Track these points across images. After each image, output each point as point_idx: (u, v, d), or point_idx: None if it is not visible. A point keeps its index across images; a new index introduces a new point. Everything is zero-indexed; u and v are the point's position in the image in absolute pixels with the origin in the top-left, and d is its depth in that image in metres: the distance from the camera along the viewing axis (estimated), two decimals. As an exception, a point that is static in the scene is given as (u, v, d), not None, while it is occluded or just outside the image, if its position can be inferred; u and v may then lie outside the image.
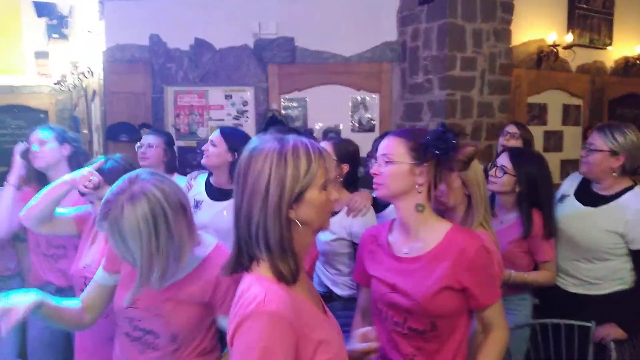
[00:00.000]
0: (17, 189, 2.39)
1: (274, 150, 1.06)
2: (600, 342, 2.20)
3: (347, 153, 2.32)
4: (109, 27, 4.05)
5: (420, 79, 3.89)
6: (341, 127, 4.14)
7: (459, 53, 3.69)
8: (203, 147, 2.38)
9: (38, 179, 2.41)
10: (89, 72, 4.81)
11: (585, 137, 4.23)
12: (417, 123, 3.88)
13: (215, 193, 2.37)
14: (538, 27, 4.31)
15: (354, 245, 2.24)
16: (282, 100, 4.12)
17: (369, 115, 4.14)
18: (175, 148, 4.07)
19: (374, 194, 2.48)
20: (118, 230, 1.32)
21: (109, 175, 1.82)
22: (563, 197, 2.42)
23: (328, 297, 2.25)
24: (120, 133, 3.91)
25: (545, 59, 4.31)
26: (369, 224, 2.23)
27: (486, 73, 3.83)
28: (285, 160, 1.05)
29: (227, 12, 3.99)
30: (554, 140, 4.52)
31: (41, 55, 5.77)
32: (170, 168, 2.94)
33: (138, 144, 2.97)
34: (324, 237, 2.23)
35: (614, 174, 2.22)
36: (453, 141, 1.43)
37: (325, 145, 2.26)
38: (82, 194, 1.90)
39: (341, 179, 2.28)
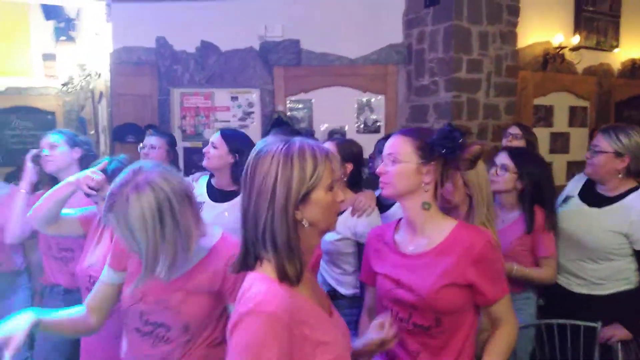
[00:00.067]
0: (29, 194, 2.41)
1: (281, 152, 1.07)
2: (606, 342, 2.20)
3: (351, 153, 2.33)
4: (116, 30, 4.08)
5: (426, 81, 3.89)
6: (346, 128, 4.15)
7: (465, 55, 3.69)
8: (204, 150, 2.40)
9: (50, 183, 2.43)
10: (96, 74, 4.84)
11: (591, 139, 4.22)
12: (423, 125, 3.87)
13: (217, 195, 2.38)
14: (544, 29, 4.30)
15: (359, 245, 2.24)
16: (287, 101, 4.13)
17: (375, 117, 4.14)
18: (181, 149, 4.12)
19: (377, 193, 2.50)
20: (124, 220, 1.32)
21: (113, 176, 1.83)
22: (568, 198, 2.43)
23: (332, 296, 2.25)
24: (127, 134, 3.94)
25: (551, 61, 4.31)
26: (373, 224, 2.23)
27: (492, 75, 3.83)
28: (291, 161, 1.06)
29: (233, 15, 4.01)
30: (560, 142, 4.51)
31: (49, 57, 5.81)
32: None
33: (141, 144, 2.99)
34: (328, 236, 2.24)
35: (619, 176, 2.22)
36: (460, 140, 1.43)
37: (329, 145, 2.27)
38: (87, 195, 1.92)
39: (345, 179, 2.29)
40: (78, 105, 5.96)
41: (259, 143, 1.14)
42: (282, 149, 1.08)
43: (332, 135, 4.08)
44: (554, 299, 2.44)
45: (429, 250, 1.48)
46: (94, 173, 1.86)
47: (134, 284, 1.39)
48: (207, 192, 2.41)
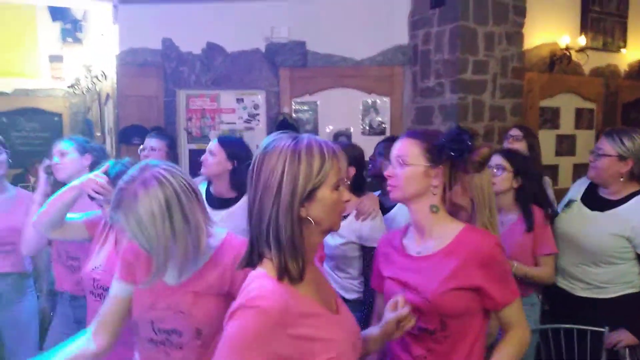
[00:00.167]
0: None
1: (288, 148, 1.07)
2: (613, 348, 2.19)
3: (353, 157, 2.32)
4: (122, 31, 4.09)
5: (431, 82, 3.88)
6: (352, 130, 4.14)
7: (471, 56, 3.68)
8: (202, 158, 2.40)
9: None
10: (102, 75, 4.86)
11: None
12: (428, 126, 3.87)
13: (215, 202, 2.38)
14: (551, 31, 4.28)
15: (364, 249, 2.24)
16: (293, 103, 4.13)
17: (380, 119, 4.13)
18: (187, 151, 4.13)
19: (377, 193, 2.50)
20: (133, 216, 1.32)
21: (117, 179, 1.84)
22: (570, 202, 2.43)
23: (337, 300, 2.24)
24: (133, 136, 3.94)
25: (558, 62, 4.29)
26: (377, 228, 2.23)
27: (498, 76, 3.82)
28: (298, 157, 1.06)
29: (239, 17, 4.01)
30: (566, 145, 4.49)
31: (55, 59, 5.84)
32: None
33: (141, 146, 3.01)
34: (333, 241, 2.24)
35: (622, 179, 2.22)
36: (468, 142, 1.42)
37: None
38: (92, 198, 1.93)
39: (348, 182, 2.29)
40: (84, 107, 5.98)
41: (267, 139, 1.13)
42: (289, 144, 1.07)
43: (337, 137, 4.08)
44: (559, 303, 2.43)
45: (436, 252, 1.46)
46: (97, 176, 1.87)
47: (147, 281, 1.38)
48: (206, 199, 2.41)
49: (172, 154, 3.05)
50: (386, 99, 4.12)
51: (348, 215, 2.24)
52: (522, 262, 2.27)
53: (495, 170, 2.32)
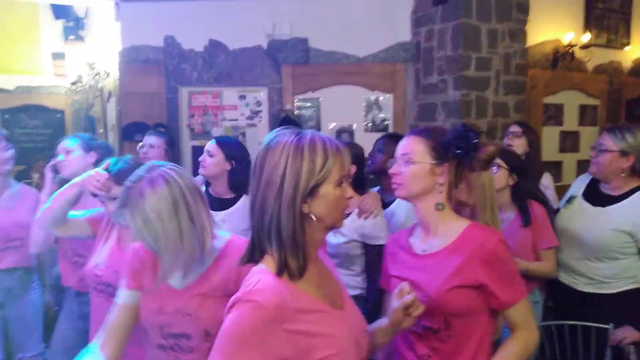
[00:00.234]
0: None
1: (291, 143, 1.06)
2: (618, 345, 2.18)
3: (354, 155, 2.32)
4: (125, 29, 4.09)
5: (434, 79, 3.87)
6: (354, 127, 4.14)
7: (474, 53, 3.67)
8: (200, 158, 2.40)
9: None
10: (104, 72, 4.86)
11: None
12: (431, 123, 3.86)
13: (214, 203, 2.37)
14: (554, 27, 4.27)
15: (366, 247, 2.24)
16: (295, 100, 4.12)
17: (383, 116, 4.13)
18: (189, 148, 4.13)
19: (375, 189, 2.50)
20: (139, 214, 1.33)
21: (118, 176, 1.86)
22: (572, 198, 2.44)
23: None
24: (135, 133, 3.94)
25: (561, 59, 4.27)
26: (380, 226, 2.23)
27: (501, 73, 3.81)
28: (301, 153, 1.05)
29: (241, 13, 4.01)
30: (570, 141, 4.48)
31: (58, 56, 5.84)
32: None
33: (140, 144, 3.02)
34: (335, 239, 2.24)
35: (623, 175, 2.23)
36: (474, 140, 1.41)
37: None
38: (94, 195, 1.94)
39: (350, 180, 2.29)
40: (87, 104, 5.99)
41: (270, 134, 1.13)
42: (292, 140, 1.07)
43: (340, 134, 4.08)
44: (562, 299, 2.43)
45: (441, 250, 1.45)
46: (97, 173, 1.88)
47: (154, 283, 1.39)
48: None
49: (170, 152, 3.06)
50: (389, 96, 4.12)
51: (350, 213, 2.23)
52: (524, 258, 2.27)
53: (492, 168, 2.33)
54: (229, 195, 2.42)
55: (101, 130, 5.30)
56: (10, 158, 2.57)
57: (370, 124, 4.14)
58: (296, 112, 4.08)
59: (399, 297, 1.26)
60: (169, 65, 4.07)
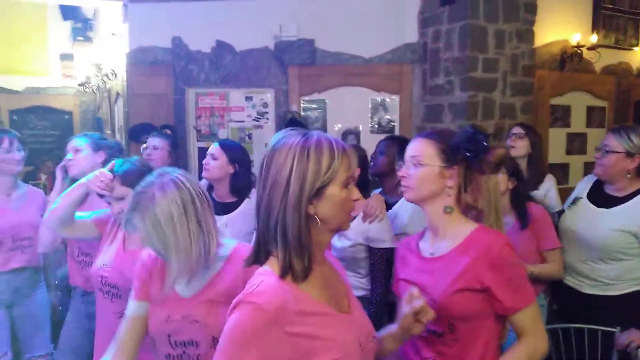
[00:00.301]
0: None
1: (297, 144, 1.06)
2: (625, 349, 2.17)
3: (358, 158, 2.32)
4: (132, 30, 4.11)
5: (441, 80, 3.86)
6: (361, 128, 4.13)
7: (481, 54, 3.66)
8: (203, 162, 2.41)
9: None
10: (112, 74, 4.89)
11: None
12: (438, 125, 3.85)
13: (217, 207, 2.39)
14: (562, 28, 4.24)
15: (370, 250, 2.24)
16: (302, 101, 4.12)
17: (389, 117, 4.12)
18: (196, 149, 4.15)
19: (378, 191, 2.49)
20: (150, 218, 1.35)
21: (124, 177, 1.88)
22: (576, 200, 2.44)
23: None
24: (142, 134, 3.95)
25: (569, 60, 4.25)
26: (385, 229, 2.23)
27: (508, 74, 3.79)
28: (307, 154, 1.05)
29: (248, 15, 4.02)
30: (577, 143, 4.45)
31: (66, 57, 5.88)
32: None
33: (144, 145, 3.04)
34: (340, 243, 2.24)
35: (629, 176, 2.22)
36: (484, 143, 1.40)
37: None
38: (101, 196, 1.95)
39: (354, 183, 2.29)
40: (95, 105, 6.03)
41: (276, 136, 1.13)
42: (299, 141, 1.07)
43: (346, 135, 4.08)
44: (566, 302, 2.42)
45: (447, 253, 1.44)
46: (102, 173, 1.90)
47: (167, 284, 1.42)
48: None
49: (174, 153, 3.08)
50: (395, 97, 4.11)
51: (355, 217, 2.23)
52: (527, 262, 2.26)
53: None
54: (231, 199, 2.43)
55: (108, 132, 5.34)
56: (22, 160, 2.59)
57: (376, 126, 4.13)
58: (302, 113, 4.09)
59: (409, 302, 1.25)
60: (176, 66, 4.09)
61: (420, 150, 1.45)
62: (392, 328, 1.31)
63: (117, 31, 4.51)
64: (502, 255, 1.37)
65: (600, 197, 2.32)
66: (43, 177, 5.30)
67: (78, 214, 2.04)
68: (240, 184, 2.42)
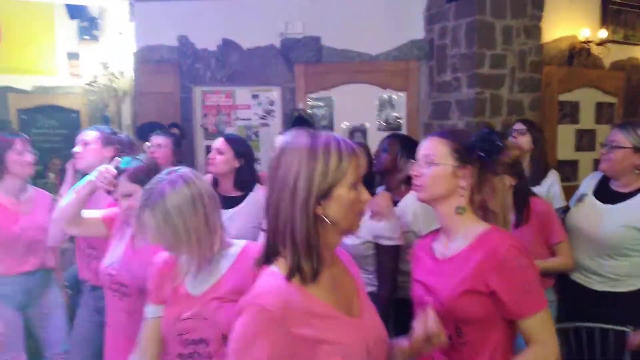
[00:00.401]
0: None
1: (306, 145, 1.06)
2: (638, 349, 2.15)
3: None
4: (139, 29, 4.13)
5: (448, 77, 3.84)
6: (367, 126, 4.12)
7: (488, 50, 3.64)
8: (209, 156, 2.42)
9: None
10: (119, 72, 4.90)
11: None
12: (445, 122, 3.84)
13: (221, 201, 2.39)
14: (570, 23, 4.21)
15: (377, 247, 2.23)
16: (308, 99, 4.12)
17: (396, 114, 4.11)
18: (203, 147, 4.15)
19: (381, 188, 2.48)
20: (160, 210, 1.39)
21: (133, 174, 1.89)
22: (582, 196, 2.42)
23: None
24: (150, 132, 3.97)
25: (577, 55, 4.22)
26: (393, 227, 2.22)
27: (516, 71, 3.77)
28: (315, 155, 1.04)
29: (254, 13, 4.01)
30: (586, 140, 4.42)
31: (73, 56, 5.89)
32: None
33: (147, 143, 3.05)
34: (350, 241, 2.23)
35: (636, 171, 2.20)
36: (498, 143, 1.38)
37: None
38: (108, 192, 1.97)
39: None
40: (102, 104, 6.04)
41: (284, 136, 1.12)
42: (307, 142, 1.06)
43: (353, 133, 4.07)
44: (575, 298, 2.40)
45: (456, 254, 1.41)
46: (106, 170, 1.91)
47: (181, 276, 1.46)
48: None
49: (177, 151, 3.09)
50: (402, 94, 4.10)
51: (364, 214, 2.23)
52: (534, 256, 2.25)
53: None
54: (236, 193, 2.44)
55: (116, 130, 5.35)
56: (33, 162, 2.60)
57: (383, 123, 4.12)
58: (309, 111, 4.08)
59: (423, 323, 1.19)
60: (182, 64, 4.10)
61: (433, 149, 1.43)
62: (403, 343, 1.26)
63: (124, 30, 4.52)
64: (508, 258, 1.32)
65: (606, 193, 2.31)
66: (51, 175, 5.32)
67: (87, 211, 2.05)
68: (245, 178, 2.42)
